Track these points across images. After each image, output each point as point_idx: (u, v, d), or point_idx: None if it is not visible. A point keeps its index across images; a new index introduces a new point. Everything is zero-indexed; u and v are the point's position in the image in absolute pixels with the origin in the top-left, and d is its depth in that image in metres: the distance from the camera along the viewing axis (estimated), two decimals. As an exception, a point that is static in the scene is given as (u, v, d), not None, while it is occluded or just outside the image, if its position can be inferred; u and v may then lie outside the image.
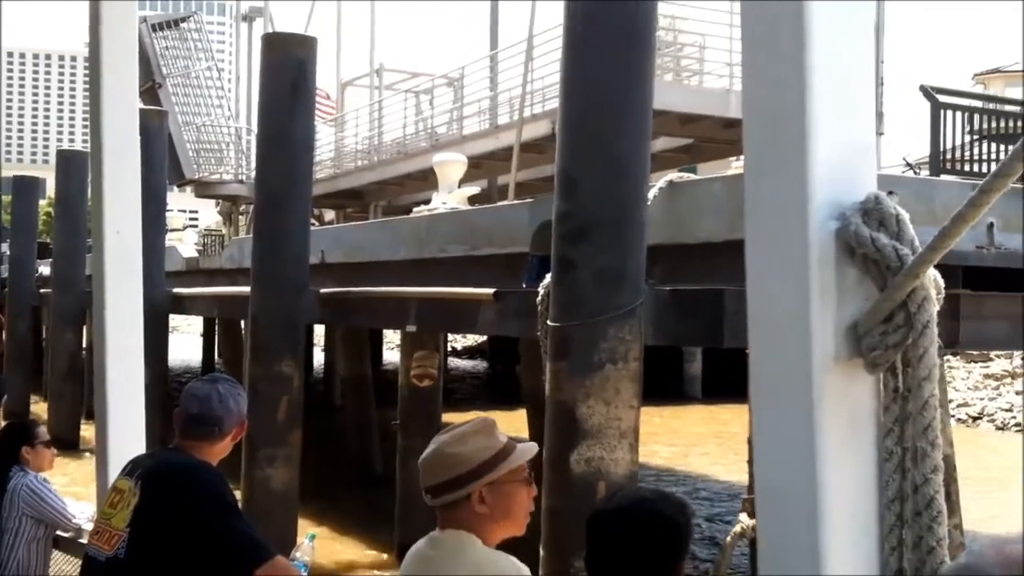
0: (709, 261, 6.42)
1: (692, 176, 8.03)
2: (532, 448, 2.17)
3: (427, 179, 18.97)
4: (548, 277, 6.10)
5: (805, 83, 1.41)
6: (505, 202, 11.65)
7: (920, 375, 1.42)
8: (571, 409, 5.64)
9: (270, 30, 21.12)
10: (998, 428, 20.51)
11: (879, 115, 11.46)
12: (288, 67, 9.71)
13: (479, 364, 33.67)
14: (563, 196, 5.90)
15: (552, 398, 5.86)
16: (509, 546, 2.14)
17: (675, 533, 1.90)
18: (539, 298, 6.14)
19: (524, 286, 7.31)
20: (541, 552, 5.60)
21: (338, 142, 23.26)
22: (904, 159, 14.64)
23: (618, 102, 5.76)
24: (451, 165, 12.74)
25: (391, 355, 25.74)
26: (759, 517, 1.48)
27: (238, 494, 4.09)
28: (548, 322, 5.84)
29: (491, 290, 7.55)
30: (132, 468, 2.70)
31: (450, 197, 11.98)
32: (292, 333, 9.57)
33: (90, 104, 3.92)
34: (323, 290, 10.06)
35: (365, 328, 14.59)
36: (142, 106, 12.82)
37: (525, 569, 2.09)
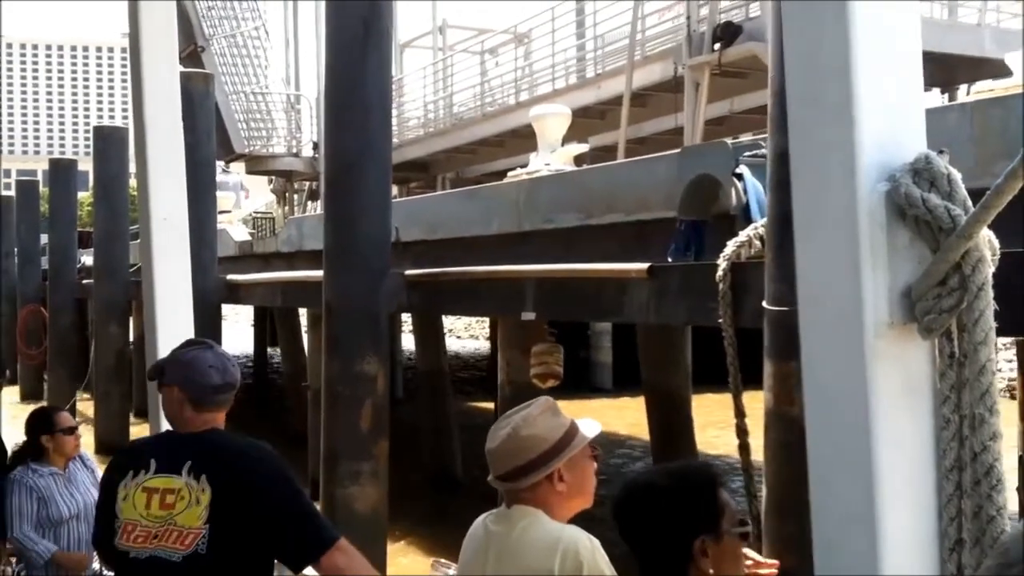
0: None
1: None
2: (595, 426, 2.44)
3: (504, 144, 19.17)
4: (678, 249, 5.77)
5: (849, 43, 1.56)
6: (628, 159, 11.07)
7: (976, 339, 1.57)
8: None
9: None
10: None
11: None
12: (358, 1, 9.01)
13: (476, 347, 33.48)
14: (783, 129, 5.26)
15: (777, 411, 5.17)
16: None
17: (686, 508, 2.09)
18: (720, 273, 5.43)
19: (670, 259, 6.85)
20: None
21: (399, 108, 23.56)
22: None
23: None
24: (553, 119, 12.11)
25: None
26: (813, 486, 1.65)
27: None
28: (767, 305, 5.06)
29: (644, 264, 6.69)
30: (169, 462, 2.87)
31: (553, 157, 11.37)
32: (374, 324, 9.07)
33: (131, 81, 4.22)
34: (410, 272, 9.55)
35: (437, 315, 14.66)
36: (183, 69, 12.83)
37: (594, 538, 2.36)
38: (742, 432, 5.71)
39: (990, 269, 1.57)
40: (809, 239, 1.66)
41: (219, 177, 23.79)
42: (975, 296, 1.56)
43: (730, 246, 5.42)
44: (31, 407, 5.88)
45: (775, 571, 2.37)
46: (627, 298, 6.91)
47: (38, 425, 5.06)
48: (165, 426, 4.05)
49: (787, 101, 1.67)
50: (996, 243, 1.61)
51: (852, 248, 1.58)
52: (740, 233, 5.53)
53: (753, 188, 6.24)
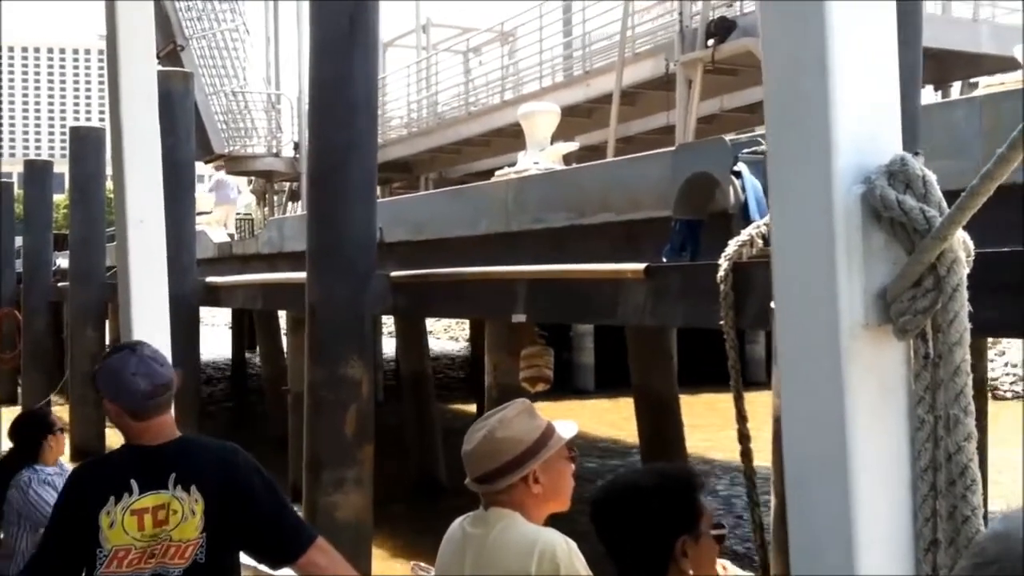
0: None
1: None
2: (572, 428, 2.47)
3: (489, 144, 19.22)
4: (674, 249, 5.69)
5: (826, 43, 1.60)
6: (620, 157, 11.04)
7: (951, 340, 1.61)
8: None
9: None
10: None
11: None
12: (344, -1, 8.89)
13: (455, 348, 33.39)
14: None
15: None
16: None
17: (662, 509, 2.13)
18: (721, 273, 5.31)
19: (664, 260, 6.75)
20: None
21: (381, 108, 23.53)
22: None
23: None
24: (541, 117, 12.03)
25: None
26: (788, 489, 1.68)
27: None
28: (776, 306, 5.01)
29: (641, 265, 6.58)
30: (151, 478, 2.81)
31: (542, 156, 11.31)
32: (358, 327, 9.03)
33: (107, 80, 4.24)
34: (395, 273, 9.46)
35: (423, 317, 14.64)
36: (162, 68, 12.79)
37: (571, 540, 2.39)
38: (744, 438, 5.69)
39: (965, 270, 1.61)
40: (785, 240, 1.70)
41: (220, 176, 23.82)
42: (950, 297, 1.60)
43: (732, 245, 5.36)
44: (4, 411, 5.91)
45: None
46: (622, 299, 6.83)
47: (41, 426, 5.14)
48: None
49: (764, 102, 1.71)
50: (971, 244, 1.64)
51: (828, 250, 1.61)
52: (742, 232, 5.51)
53: (752, 186, 6.22)
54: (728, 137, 7.25)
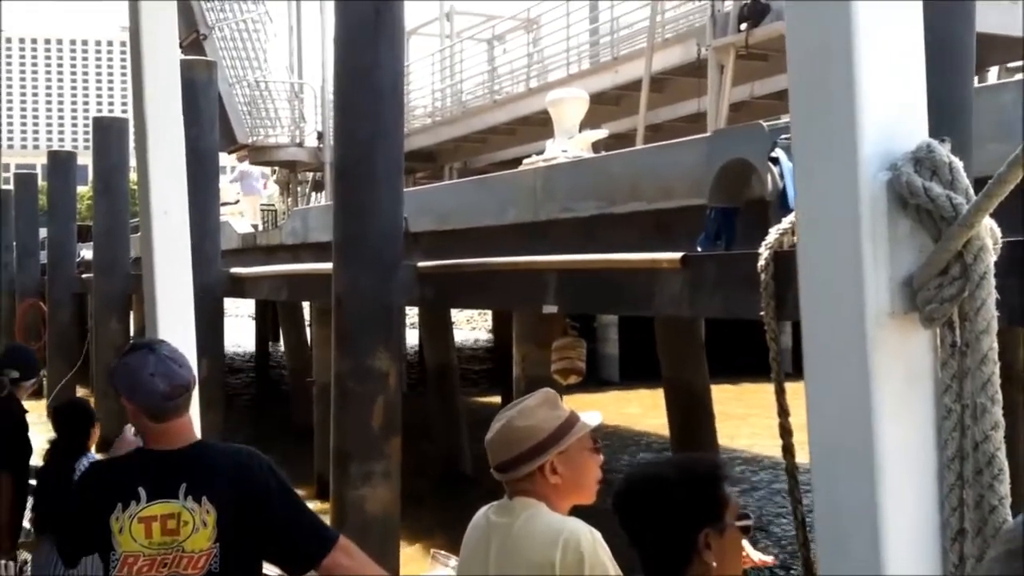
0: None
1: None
2: (596, 417, 2.49)
3: (515, 132, 19.25)
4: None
5: (851, 27, 1.60)
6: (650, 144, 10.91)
7: (978, 328, 1.61)
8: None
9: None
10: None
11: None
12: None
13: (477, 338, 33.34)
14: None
15: None
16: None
17: (683, 501, 2.14)
18: (762, 263, 5.60)
19: (699, 249, 6.67)
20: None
21: (405, 96, 23.50)
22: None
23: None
24: (570, 104, 11.95)
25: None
26: (814, 477, 1.70)
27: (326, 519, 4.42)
28: None
29: (677, 254, 6.49)
30: (160, 486, 2.81)
31: (570, 144, 11.25)
32: (386, 318, 8.99)
33: (131, 70, 4.28)
34: (423, 263, 9.45)
35: (450, 308, 14.59)
36: (185, 57, 12.77)
37: (596, 531, 2.42)
38: (786, 432, 5.66)
39: (992, 258, 1.61)
40: (810, 229, 1.71)
41: (244, 166, 23.94)
42: (977, 285, 1.60)
43: (772, 233, 5.32)
44: (31, 403, 6.01)
45: (768, 564, 2.43)
46: (658, 290, 6.74)
47: (88, 415, 5.32)
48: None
49: (789, 89, 1.71)
50: (998, 232, 1.65)
51: (854, 237, 1.62)
52: (783, 219, 5.50)
53: (790, 173, 6.11)
54: (765, 122, 7.22)
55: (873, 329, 1.61)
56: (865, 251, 1.61)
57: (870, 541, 1.61)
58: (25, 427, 5.52)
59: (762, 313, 5.38)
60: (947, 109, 4.75)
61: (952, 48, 5.21)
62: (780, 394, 5.61)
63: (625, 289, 7.19)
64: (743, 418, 16.21)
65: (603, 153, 11.44)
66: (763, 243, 5.40)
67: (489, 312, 29.12)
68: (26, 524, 5.59)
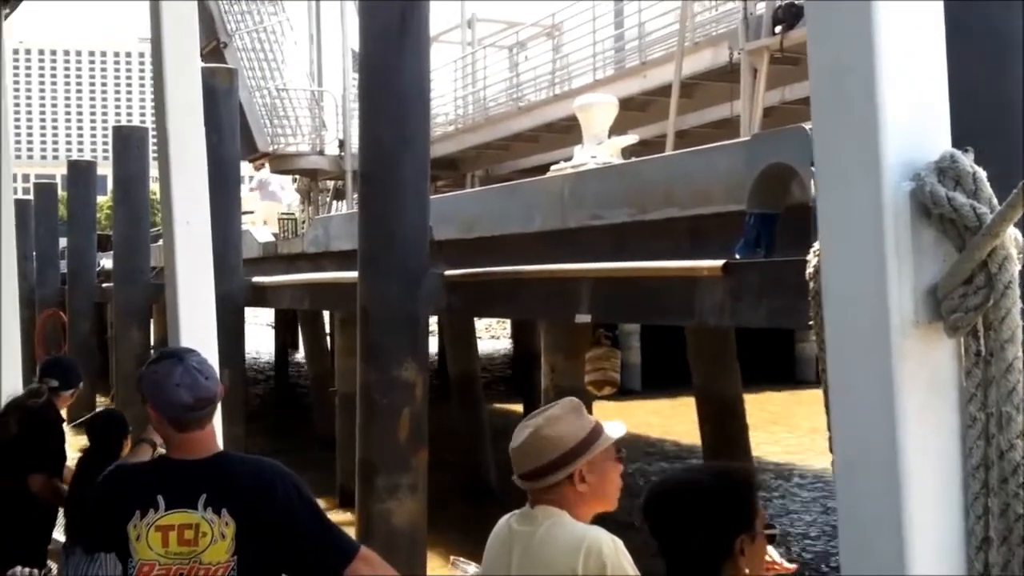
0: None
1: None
2: (620, 428, 2.53)
3: (539, 139, 19.28)
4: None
5: (872, 37, 1.63)
6: (682, 150, 10.80)
7: (1003, 337, 1.63)
8: None
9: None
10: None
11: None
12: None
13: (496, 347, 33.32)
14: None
15: None
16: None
17: (720, 505, 2.18)
18: (810, 270, 5.46)
19: (738, 256, 6.59)
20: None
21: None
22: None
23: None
24: (599, 109, 11.90)
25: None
26: (838, 486, 1.72)
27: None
28: None
29: (718, 262, 6.37)
30: (179, 496, 2.82)
31: (600, 149, 11.22)
32: (412, 328, 8.95)
33: (153, 79, 4.35)
34: (450, 272, 9.35)
35: (478, 317, 14.46)
36: (206, 65, 12.89)
37: (618, 539, 2.46)
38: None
39: (1016, 267, 1.63)
40: (834, 238, 1.73)
41: (263, 175, 24.03)
42: (1001, 294, 1.62)
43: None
44: None
45: (791, 570, 2.46)
46: (698, 298, 6.60)
47: (122, 426, 5.43)
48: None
49: (812, 99, 1.74)
50: (1023, 241, 1.67)
51: (877, 247, 1.65)
52: None
53: None
54: (808, 126, 7.17)
55: (898, 338, 1.64)
56: (889, 261, 1.64)
57: (894, 550, 1.64)
58: (61, 435, 5.64)
59: (811, 323, 5.36)
60: (994, 106, 4.69)
61: (999, 40, 5.08)
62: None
63: (662, 298, 7.10)
64: (754, 426, 16.19)
65: (632, 159, 11.38)
66: (811, 250, 5.39)
67: (508, 321, 29.05)
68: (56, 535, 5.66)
